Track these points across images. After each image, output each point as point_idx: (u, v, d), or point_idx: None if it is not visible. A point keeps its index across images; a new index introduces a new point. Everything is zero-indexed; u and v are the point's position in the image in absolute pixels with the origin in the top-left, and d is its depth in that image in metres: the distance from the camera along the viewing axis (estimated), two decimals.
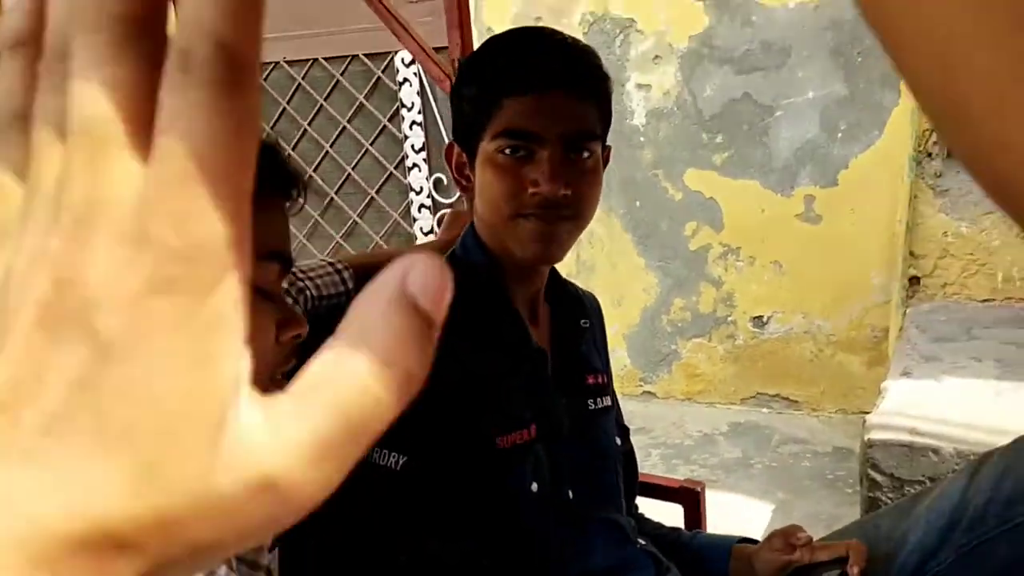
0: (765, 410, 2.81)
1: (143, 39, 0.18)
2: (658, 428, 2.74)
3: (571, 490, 1.02)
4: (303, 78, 3.26)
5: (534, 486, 0.96)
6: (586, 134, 0.94)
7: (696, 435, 2.69)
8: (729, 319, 2.82)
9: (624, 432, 1.24)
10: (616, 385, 3.43)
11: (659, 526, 1.27)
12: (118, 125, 0.18)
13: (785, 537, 1.12)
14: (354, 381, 0.19)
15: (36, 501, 0.18)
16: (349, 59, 3.19)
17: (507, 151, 0.93)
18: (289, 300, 0.94)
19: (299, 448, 0.19)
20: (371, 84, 3.17)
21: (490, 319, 0.99)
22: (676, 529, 1.28)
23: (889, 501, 1.63)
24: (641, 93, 2.69)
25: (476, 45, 1.26)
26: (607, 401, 1.13)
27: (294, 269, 1.04)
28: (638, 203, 2.83)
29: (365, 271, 1.13)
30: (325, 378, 0.19)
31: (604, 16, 2.70)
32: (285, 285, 0.94)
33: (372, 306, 0.19)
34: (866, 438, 1.67)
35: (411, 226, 3.30)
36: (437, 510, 0.93)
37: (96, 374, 0.18)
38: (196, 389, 0.19)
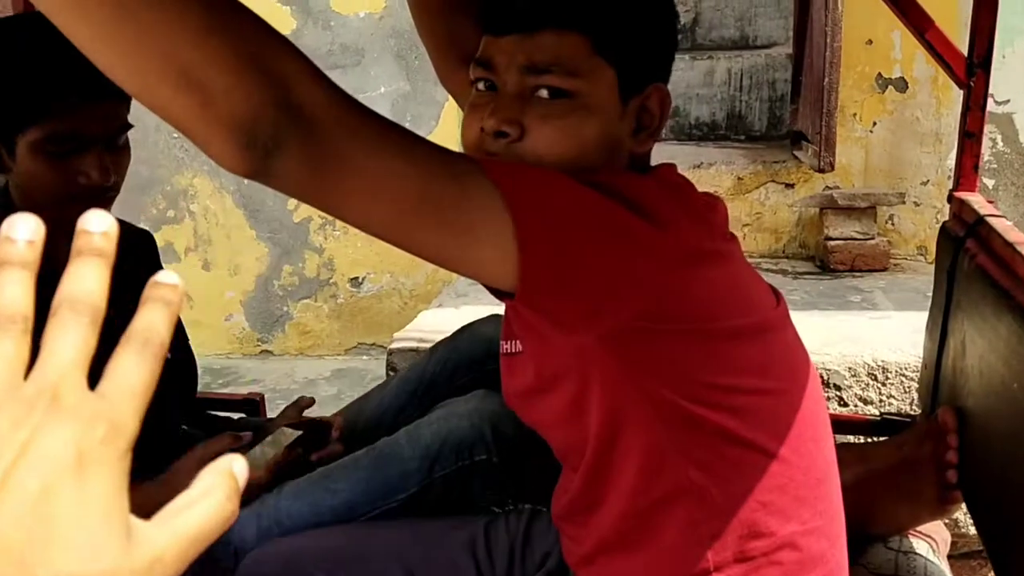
0: (365, 357, 3.31)
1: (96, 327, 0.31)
2: (269, 379, 3.12)
3: None
4: None
5: None
6: (127, 127, 1.11)
7: (301, 380, 3.12)
8: (331, 281, 3.28)
9: (184, 348, 1.47)
10: (236, 346, 3.71)
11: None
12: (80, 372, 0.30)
13: (296, 407, 1.52)
14: (206, 507, 0.32)
15: (68, 560, 0.28)
16: None
17: (58, 148, 1.04)
18: None
19: (177, 540, 0.31)
20: None
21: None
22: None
23: None
24: None
25: None
26: None
27: None
28: (246, 182, 3.18)
29: None
30: (189, 502, 0.32)
31: None
32: None
33: (208, 472, 0.33)
34: (388, 349, 2.19)
35: None
36: None
37: (66, 484, 0.28)
38: (120, 501, 0.29)
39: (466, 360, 1.43)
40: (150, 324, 0.32)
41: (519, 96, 0.82)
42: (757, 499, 0.84)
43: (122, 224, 1.45)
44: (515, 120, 0.81)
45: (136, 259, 1.33)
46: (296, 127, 0.58)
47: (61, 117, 1.03)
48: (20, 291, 0.30)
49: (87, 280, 0.31)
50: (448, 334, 2.27)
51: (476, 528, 1.13)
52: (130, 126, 1.13)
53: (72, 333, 0.30)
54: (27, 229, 0.31)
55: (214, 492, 0.32)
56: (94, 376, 0.31)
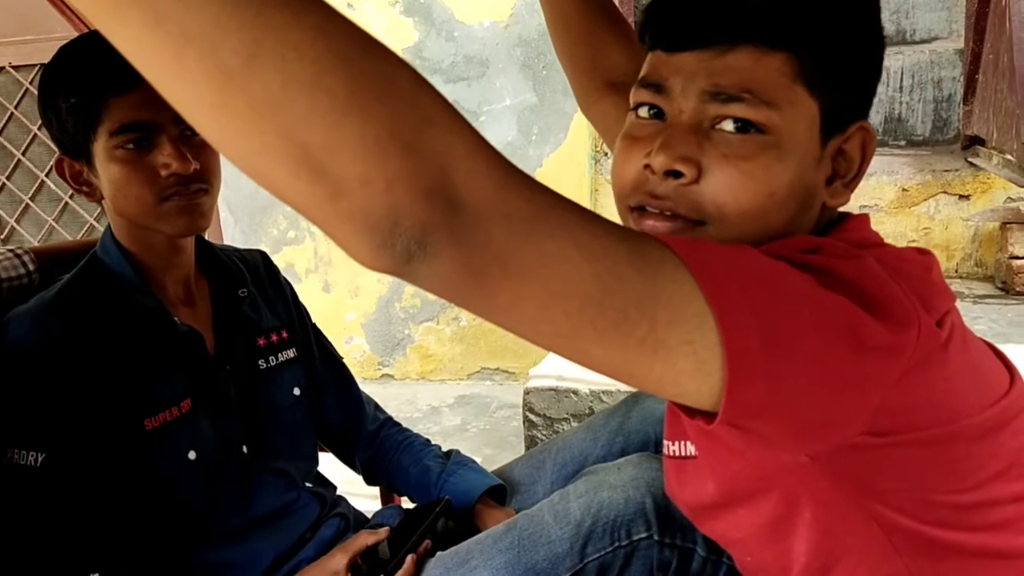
0: (488, 382, 3.15)
1: None
2: (391, 405, 2.95)
3: (246, 446, 1.12)
4: (30, 82, 3.25)
5: (191, 454, 1.05)
6: None
7: (425, 408, 2.98)
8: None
9: (329, 363, 1.39)
10: (356, 370, 3.63)
11: (417, 447, 1.42)
12: None
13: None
14: None
15: None
16: None
17: (130, 145, 0.99)
18: None
19: None
20: None
21: (130, 314, 1.05)
22: (438, 453, 1.38)
23: (544, 438, 1.97)
24: None
25: None
26: (287, 355, 1.23)
27: None
28: None
29: (47, 256, 1.19)
30: None
31: None
32: None
33: None
34: (525, 387, 2.01)
35: None
36: (83, 500, 0.98)
37: None
38: None
39: (636, 444, 1.22)
40: None
41: (696, 128, 0.66)
42: None
43: (237, 250, 1.30)
44: (692, 158, 0.65)
45: (260, 279, 1.27)
46: (450, 224, 0.43)
47: (124, 110, 0.99)
48: None
49: None
50: (588, 376, 2.10)
51: None
52: None
53: None
54: None
55: None
56: None
